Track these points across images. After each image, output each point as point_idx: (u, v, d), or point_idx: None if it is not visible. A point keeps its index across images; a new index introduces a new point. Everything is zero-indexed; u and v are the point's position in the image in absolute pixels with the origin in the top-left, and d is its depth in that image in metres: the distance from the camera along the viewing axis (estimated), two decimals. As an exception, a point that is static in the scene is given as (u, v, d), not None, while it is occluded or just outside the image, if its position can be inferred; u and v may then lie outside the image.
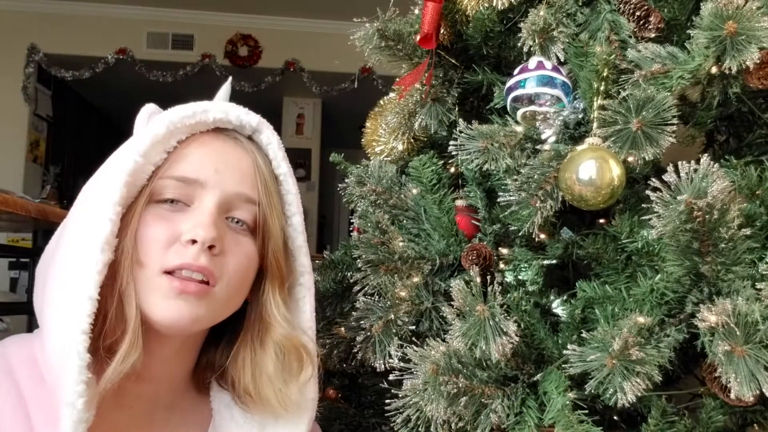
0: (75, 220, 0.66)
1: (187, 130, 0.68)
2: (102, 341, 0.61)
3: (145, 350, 0.65)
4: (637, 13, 0.85)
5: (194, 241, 0.63)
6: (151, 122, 0.69)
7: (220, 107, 0.70)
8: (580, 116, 0.84)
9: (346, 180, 1.06)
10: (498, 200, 0.87)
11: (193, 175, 0.66)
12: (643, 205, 0.80)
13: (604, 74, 0.80)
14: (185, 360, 0.73)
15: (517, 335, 0.74)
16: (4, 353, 0.64)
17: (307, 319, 0.74)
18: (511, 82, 0.89)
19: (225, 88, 0.80)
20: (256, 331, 0.71)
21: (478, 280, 0.79)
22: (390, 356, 0.87)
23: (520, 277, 0.90)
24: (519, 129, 0.86)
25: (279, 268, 0.70)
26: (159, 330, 0.64)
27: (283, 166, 0.73)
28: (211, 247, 0.64)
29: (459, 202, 0.98)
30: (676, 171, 0.67)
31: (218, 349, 0.75)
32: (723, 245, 0.68)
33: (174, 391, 0.72)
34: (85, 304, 0.58)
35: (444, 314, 0.81)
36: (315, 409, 0.74)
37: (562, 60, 0.89)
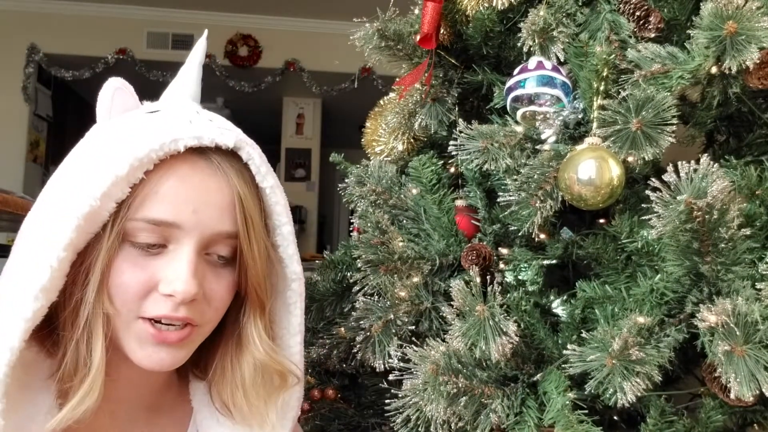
0: (15, 255, 0.60)
1: (154, 161, 0.61)
2: (59, 384, 0.59)
3: (127, 362, 0.64)
4: (637, 13, 0.85)
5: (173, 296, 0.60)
6: (111, 154, 0.60)
7: (193, 133, 0.62)
8: (579, 116, 0.84)
9: (346, 180, 1.06)
10: (498, 200, 0.87)
11: (170, 218, 0.60)
12: (643, 205, 0.80)
13: (604, 74, 0.80)
14: None
15: (517, 335, 0.74)
16: None
17: (298, 323, 0.73)
18: (511, 82, 0.89)
19: (200, 46, 0.73)
20: (235, 348, 0.70)
21: (478, 280, 0.79)
22: (390, 356, 0.87)
23: (520, 277, 0.90)
24: (519, 129, 0.86)
25: (259, 295, 0.68)
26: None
27: (269, 179, 0.68)
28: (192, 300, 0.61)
29: (459, 202, 0.98)
30: (676, 171, 0.67)
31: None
32: (723, 245, 0.68)
33: (155, 392, 0.72)
34: (4, 354, 0.55)
35: (444, 314, 0.81)
36: (297, 414, 0.74)
37: (562, 60, 0.89)
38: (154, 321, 0.61)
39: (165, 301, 0.60)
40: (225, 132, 0.65)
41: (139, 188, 0.60)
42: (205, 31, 0.77)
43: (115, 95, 0.69)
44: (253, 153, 0.67)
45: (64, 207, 0.58)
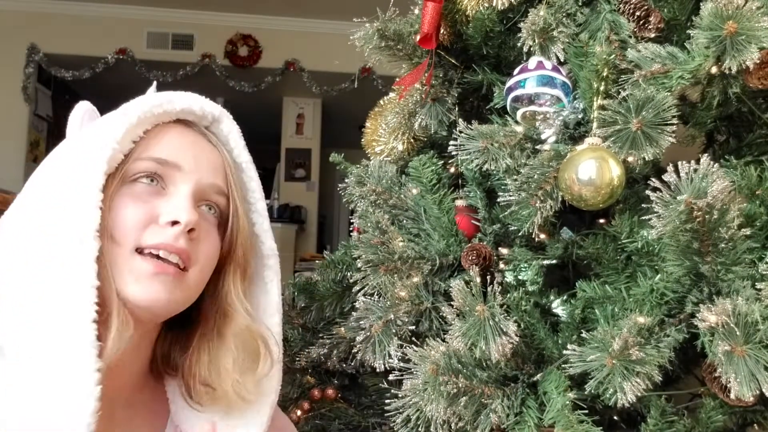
0: (39, 219, 0.62)
1: (153, 120, 0.68)
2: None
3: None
4: (637, 13, 0.85)
5: (175, 223, 0.63)
6: (116, 112, 0.68)
7: (185, 98, 0.70)
8: (580, 116, 0.84)
9: (346, 180, 1.06)
10: (498, 200, 0.87)
11: (172, 159, 0.66)
12: (643, 205, 0.80)
13: (604, 74, 0.80)
14: (143, 354, 0.72)
15: (517, 335, 0.74)
16: None
17: (275, 302, 0.74)
18: (511, 82, 0.89)
19: (152, 90, 0.78)
20: (214, 323, 0.70)
21: (478, 280, 0.79)
22: (390, 356, 0.87)
23: (520, 277, 0.90)
24: (519, 129, 0.86)
25: (245, 258, 0.71)
26: (131, 314, 0.62)
27: (244, 155, 0.74)
28: (191, 231, 0.64)
29: (459, 202, 0.98)
30: (676, 171, 0.67)
31: (169, 340, 0.74)
32: (723, 245, 0.68)
33: (133, 388, 0.71)
34: (90, 294, 0.58)
35: (444, 314, 0.81)
36: (276, 398, 0.74)
37: (562, 60, 0.89)
38: (153, 254, 0.62)
39: (165, 231, 0.63)
40: (211, 102, 0.73)
41: (142, 142, 0.66)
42: (154, 83, 0.81)
43: (84, 117, 0.73)
44: (233, 127, 0.74)
45: (88, 158, 0.63)
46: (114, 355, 0.59)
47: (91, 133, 0.67)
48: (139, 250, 0.63)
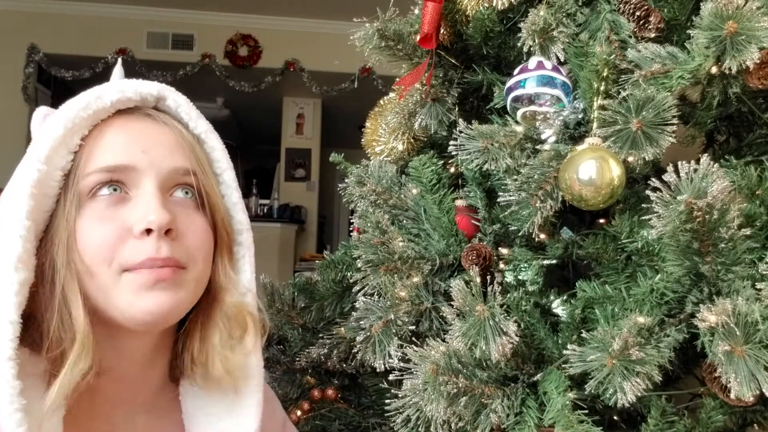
0: None
1: (86, 123, 0.62)
2: (47, 355, 0.57)
3: (120, 354, 0.63)
4: (637, 13, 0.85)
5: (149, 231, 0.59)
6: (45, 124, 0.63)
7: (115, 87, 0.64)
8: (580, 116, 0.84)
9: (346, 180, 1.06)
10: (498, 200, 0.87)
11: (121, 161, 0.60)
12: (643, 205, 0.80)
13: (604, 74, 0.80)
14: (161, 359, 0.70)
15: (517, 335, 0.74)
16: None
17: (248, 279, 0.70)
18: (511, 82, 0.89)
19: (117, 70, 0.74)
20: (203, 304, 0.67)
21: (478, 280, 0.79)
22: (390, 356, 0.87)
23: (520, 277, 0.90)
24: (519, 129, 0.86)
25: (227, 233, 0.67)
26: (137, 329, 0.61)
27: (201, 125, 0.68)
28: (168, 232, 0.60)
29: (459, 202, 0.98)
30: (676, 171, 0.67)
31: (178, 341, 0.71)
32: (723, 245, 0.68)
33: (153, 393, 0.70)
34: (7, 329, 0.54)
35: (444, 314, 0.81)
36: (262, 374, 0.71)
37: (562, 60, 0.89)
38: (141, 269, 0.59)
39: (144, 244, 0.59)
40: (146, 82, 0.66)
41: (81, 151, 0.61)
42: (119, 60, 0.77)
43: (45, 121, 0.68)
44: (179, 100, 0.68)
45: (18, 182, 0.60)
46: (68, 385, 0.55)
47: (28, 150, 0.63)
48: (127, 270, 0.59)
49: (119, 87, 0.64)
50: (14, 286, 0.55)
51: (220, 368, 0.66)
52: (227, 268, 0.68)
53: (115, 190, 0.61)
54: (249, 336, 0.68)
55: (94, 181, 0.60)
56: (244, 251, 0.70)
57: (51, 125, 0.61)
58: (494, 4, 0.93)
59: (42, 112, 0.69)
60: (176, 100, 0.68)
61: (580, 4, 0.91)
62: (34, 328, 0.59)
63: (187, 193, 0.64)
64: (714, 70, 0.77)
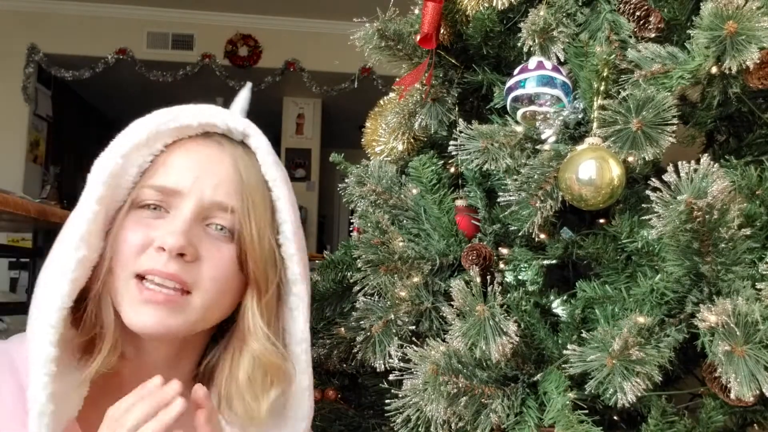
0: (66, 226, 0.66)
1: (172, 133, 0.68)
2: (79, 338, 0.62)
3: (145, 352, 0.67)
4: (637, 13, 0.85)
5: (163, 248, 0.63)
6: (135, 123, 0.69)
7: (206, 112, 0.70)
8: (580, 116, 0.84)
9: (346, 180, 1.06)
10: (498, 200, 0.87)
11: (172, 185, 0.66)
12: (643, 205, 0.80)
13: (604, 74, 0.80)
14: (186, 362, 0.72)
15: (517, 335, 0.74)
16: (7, 349, 0.65)
17: (301, 330, 0.72)
18: (511, 82, 0.89)
19: (244, 94, 0.78)
20: (237, 340, 0.70)
21: (478, 280, 0.79)
22: (390, 356, 0.87)
23: (520, 277, 0.90)
24: (519, 129, 0.86)
25: (259, 277, 0.68)
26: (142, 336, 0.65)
27: (272, 172, 0.71)
28: (182, 255, 0.63)
29: (459, 202, 0.98)
30: (676, 171, 0.67)
31: (214, 356, 0.74)
32: (723, 245, 0.68)
33: None
34: (56, 300, 0.59)
35: (444, 314, 0.81)
36: (308, 424, 0.73)
37: (562, 60, 0.89)
38: (144, 279, 0.63)
39: (157, 257, 0.63)
40: (237, 117, 0.72)
41: (157, 160, 0.67)
42: (249, 84, 0.82)
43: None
44: (261, 143, 0.72)
45: (96, 171, 0.66)
46: (91, 373, 0.61)
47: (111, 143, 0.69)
48: (138, 276, 0.63)
49: (211, 112, 0.70)
50: (71, 263, 0.61)
51: (240, 411, 0.68)
52: (255, 311, 0.69)
53: (155, 209, 0.66)
54: (274, 387, 0.69)
55: (146, 195, 0.66)
56: (299, 302, 0.72)
57: (137, 126, 0.68)
58: (494, 4, 0.92)
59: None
60: (258, 141, 0.72)
61: (580, 4, 0.91)
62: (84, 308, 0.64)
63: (221, 229, 0.67)
64: (714, 70, 0.77)
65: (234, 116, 0.72)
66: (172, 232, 0.63)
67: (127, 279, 0.63)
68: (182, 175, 0.66)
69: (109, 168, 0.64)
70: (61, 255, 0.62)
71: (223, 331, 0.73)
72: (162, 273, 0.62)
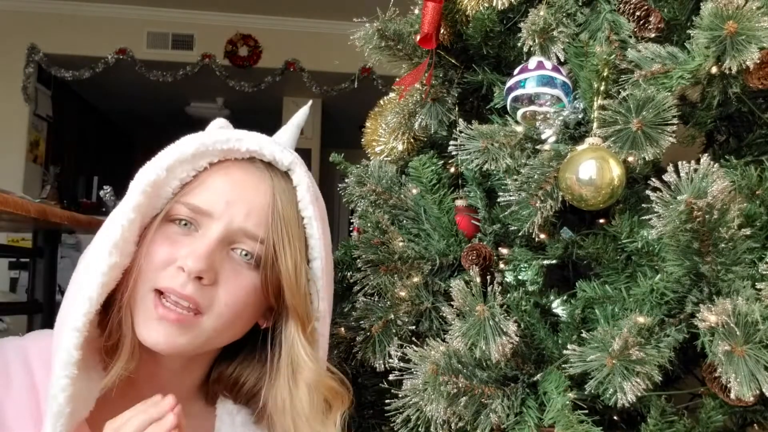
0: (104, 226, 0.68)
1: (219, 153, 0.69)
2: (104, 343, 0.63)
3: (155, 360, 0.68)
4: (637, 13, 0.85)
5: (183, 269, 0.64)
6: (185, 138, 0.70)
7: (256, 140, 0.71)
8: (580, 116, 0.84)
9: (346, 180, 1.06)
10: (498, 200, 0.87)
11: (204, 206, 0.67)
12: (643, 205, 0.80)
13: (604, 74, 0.80)
14: (195, 372, 0.74)
15: (517, 335, 0.74)
16: (22, 345, 0.66)
17: (321, 359, 0.74)
18: (511, 82, 0.89)
19: (303, 112, 0.81)
20: (290, 371, 0.71)
21: (478, 280, 0.79)
22: (390, 356, 0.87)
23: (520, 277, 0.90)
24: (519, 129, 0.86)
25: (299, 308, 0.70)
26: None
27: (308, 210, 0.72)
28: (200, 278, 0.64)
29: (459, 202, 0.98)
30: (676, 171, 0.67)
31: (231, 365, 0.76)
32: (723, 245, 0.68)
33: (183, 399, 0.72)
34: (84, 303, 0.60)
35: (444, 314, 0.81)
36: None
37: (562, 60, 0.89)
38: (162, 295, 0.64)
39: (176, 276, 0.64)
40: (285, 150, 0.72)
41: (198, 177, 0.68)
42: (310, 102, 0.85)
43: (218, 129, 0.76)
44: (302, 180, 0.72)
45: (138, 180, 0.67)
46: (110, 380, 0.62)
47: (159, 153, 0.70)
48: (156, 290, 0.64)
49: (260, 142, 0.71)
50: (103, 268, 0.61)
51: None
52: (304, 342, 0.71)
53: (186, 225, 0.67)
54: (333, 411, 0.72)
55: (179, 210, 0.67)
56: (318, 337, 0.74)
57: (187, 141, 0.69)
58: (494, 4, 0.92)
59: (218, 124, 0.77)
60: (300, 178, 0.73)
61: (580, 4, 0.91)
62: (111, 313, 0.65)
63: (246, 255, 0.68)
64: (714, 70, 0.77)
65: (282, 150, 0.72)
66: (195, 255, 0.64)
67: (146, 292, 0.64)
68: (217, 197, 0.67)
69: (151, 178, 0.66)
70: (94, 258, 0.63)
71: (237, 344, 0.74)
72: (178, 293, 0.64)
